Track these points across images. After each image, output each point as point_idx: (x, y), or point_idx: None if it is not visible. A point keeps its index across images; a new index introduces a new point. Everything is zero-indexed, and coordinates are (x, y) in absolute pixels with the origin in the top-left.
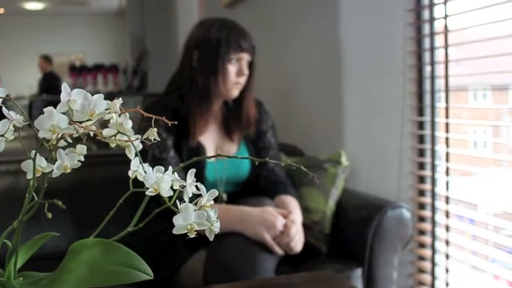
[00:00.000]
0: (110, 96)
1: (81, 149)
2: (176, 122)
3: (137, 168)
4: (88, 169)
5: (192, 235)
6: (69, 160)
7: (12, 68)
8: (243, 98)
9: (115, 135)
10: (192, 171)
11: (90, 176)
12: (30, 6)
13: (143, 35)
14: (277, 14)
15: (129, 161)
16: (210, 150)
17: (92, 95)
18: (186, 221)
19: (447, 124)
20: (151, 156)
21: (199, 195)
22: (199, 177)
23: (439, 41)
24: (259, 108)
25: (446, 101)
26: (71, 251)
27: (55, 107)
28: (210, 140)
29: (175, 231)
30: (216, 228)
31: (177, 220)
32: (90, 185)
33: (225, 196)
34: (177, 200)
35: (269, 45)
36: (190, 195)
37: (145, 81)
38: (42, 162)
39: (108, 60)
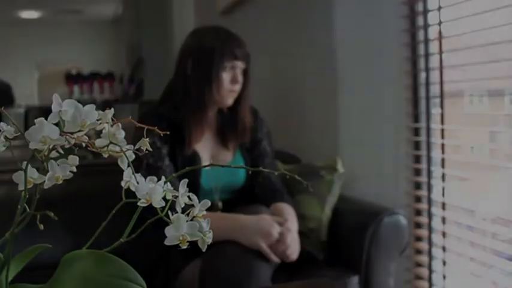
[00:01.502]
0: (106, 105)
1: (73, 159)
2: (169, 132)
3: (130, 179)
4: (85, 178)
5: (184, 246)
6: (61, 171)
7: (8, 77)
8: (238, 106)
9: (107, 146)
10: (184, 181)
11: (87, 185)
12: (26, 14)
13: (139, 42)
14: (273, 21)
15: None
16: (205, 159)
17: (89, 103)
18: (178, 231)
19: (442, 130)
20: (146, 165)
21: (193, 205)
22: (195, 185)
23: (433, 47)
24: (254, 116)
25: (442, 107)
26: (63, 262)
27: None
28: (205, 148)
29: (167, 242)
30: (209, 239)
31: (169, 231)
32: (88, 194)
33: (220, 204)
34: (169, 211)
35: (265, 52)
36: (182, 205)
37: (141, 89)
38: (33, 174)
39: (104, 68)
